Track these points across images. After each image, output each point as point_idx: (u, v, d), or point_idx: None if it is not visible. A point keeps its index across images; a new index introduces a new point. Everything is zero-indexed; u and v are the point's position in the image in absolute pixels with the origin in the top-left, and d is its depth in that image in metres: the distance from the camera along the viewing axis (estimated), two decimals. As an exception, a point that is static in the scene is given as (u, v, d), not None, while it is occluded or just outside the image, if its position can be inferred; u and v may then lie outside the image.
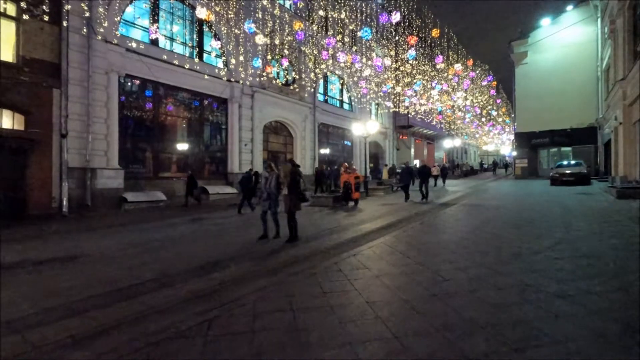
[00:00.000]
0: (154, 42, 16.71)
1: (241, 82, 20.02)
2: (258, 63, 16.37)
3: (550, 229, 7.15)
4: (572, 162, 21.76)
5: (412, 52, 19.32)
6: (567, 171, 19.35)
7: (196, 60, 18.50)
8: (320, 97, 28.70)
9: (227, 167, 20.32)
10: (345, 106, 32.10)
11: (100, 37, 14.02)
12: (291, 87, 24.27)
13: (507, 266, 4.69)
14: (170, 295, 4.14)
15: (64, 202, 12.87)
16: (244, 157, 20.90)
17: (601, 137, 24.46)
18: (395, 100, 31.44)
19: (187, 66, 17.13)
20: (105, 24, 14.10)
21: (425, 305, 3.45)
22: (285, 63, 19.38)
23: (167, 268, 5.40)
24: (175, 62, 16.82)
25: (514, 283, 3.98)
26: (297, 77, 24.59)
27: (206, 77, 18.07)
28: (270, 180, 7.25)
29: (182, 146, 18.23)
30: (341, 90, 31.49)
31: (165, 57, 16.64)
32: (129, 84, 16.00)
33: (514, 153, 41.13)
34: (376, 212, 11.19)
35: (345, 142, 32.76)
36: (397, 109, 32.57)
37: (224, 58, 20.01)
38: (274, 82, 22.57)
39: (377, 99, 31.46)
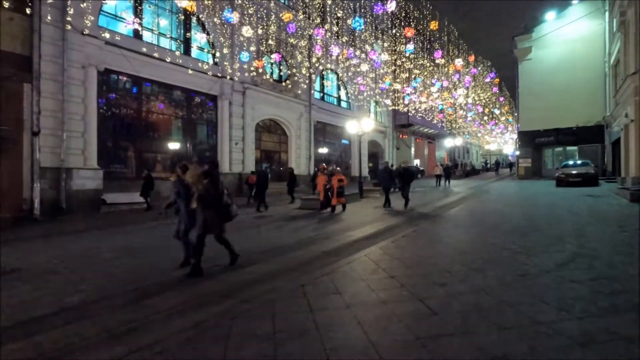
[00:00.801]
0: (137, 36, 15.86)
1: (229, 77, 19.15)
2: (246, 57, 15.41)
3: (561, 239, 6.22)
4: (579, 162, 20.77)
5: (410, 46, 18.39)
6: (574, 171, 18.37)
7: (183, 54, 17.60)
8: (317, 95, 27.79)
9: (217, 167, 19.39)
10: (343, 104, 31.17)
11: (76, 29, 13.16)
12: (284, 84, 23.36)
13: (512, 291, 3.78)
14: (78, 333, 3.25)
15: (36, 205, 12.04)
16: (235, 156, 20.04)
17: (609, 135, 23.43)
18: (394, 98, 30.52)
19: (172, 60, 16.25)
20: (84, 16, 13.27)
21: (402, 356, 2.56)
22: (277, 58, 18.35)
23: (100, 289, 4.53)
24: (160, 56, 15.95)
25: (521, 320, 3.07)
26: (291, 73, 23.69)
27: (193, 72, 17.24)
28: (177, 188, 5.44)
29: (168, 145, 17.38)
30: (338, 88, 30.56)
31: (149, 51, 15.77)
32: (110, 79, 15.15)
33: (517, 152, 40.16)
34: (367, 217, 10.28)
35: (343, 141, 31.82)
36: (396, 107, 31.64)
37: (213, 52, 19.14)
38: (266, 78, 21.67)
39: (375, 96, 30.47)
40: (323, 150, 28.87)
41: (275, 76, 23.33)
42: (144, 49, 15.69)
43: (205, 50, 19.07)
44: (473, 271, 4.54)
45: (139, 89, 16.13)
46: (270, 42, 19.45)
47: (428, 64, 24.82)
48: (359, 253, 5.69)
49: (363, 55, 22.13)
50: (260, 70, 19.70)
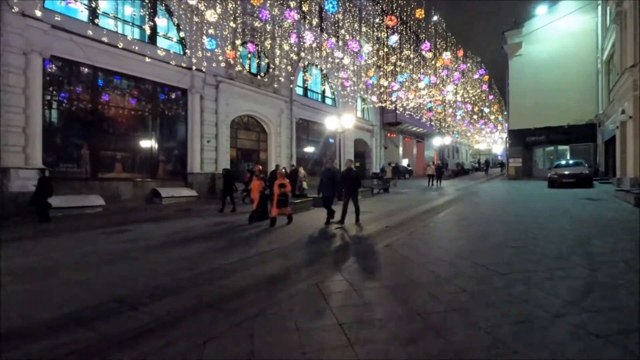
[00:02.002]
0: (94, 21, 14.30)
1: (201, 69, 17.64)
2: (212, 45, 13.95)
3: (567, 259, 4.98)
4: (572, 161, 19.78)
5: (394, 37, 17.13)
6: (567, 172, 17.34)
7: (147, 43, 16.06)
8: (299, 91, 26.41)
9: (187, 167, 17.95)
10: (328, 101, 29.84)
11: (14, 9, 11.58)
12: (260, 77, 21.85)
13: (511, 357, 2.48)
14: None
15: (-38, 210, 10.47)
16: (207, 155, 18.55)
17: (602, 134, 22.54)
18: (380, 94, 29.29)
19: (134, 49, 14.71)
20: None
21: None
22: (251, 48, 16.92)
23: None
24: (120, 44, 14.38)
25: None
26: (270, 66, 22.27)
27: (159, 62, 15.74)
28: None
29: (130, 142, 15.85)
30: (322, 84, 29.20)
31: (107, 38, 14.18)
32: (61, 68, 13.56)
33: (507, 152, 39.30)
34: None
35: (329, 140, 30.51)
36: (382, 104, 30.43)
37: (182, 41, 17.61)
38: (241, 70, 20.22)
39: (359, 92, 29.18)
40: (306, 149, 27.55)
41: (252, 70, 21.91)
42: (101, 36, 14.10)
43: (174, 39, 17.55)
44: (452, 316, 3.24)
45: (95, 80, 14.54)
46: (242, 29, 17.99)
47: (414, 57, 23.60)
48: (294, 288, 4.33)
49: (346, 47, 20.81)
50: (233, 62, 18.20)
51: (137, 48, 14.98)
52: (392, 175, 26.20)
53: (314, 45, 21.92)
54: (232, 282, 4.61)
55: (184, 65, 17.20)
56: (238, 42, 18.96)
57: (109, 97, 15.11)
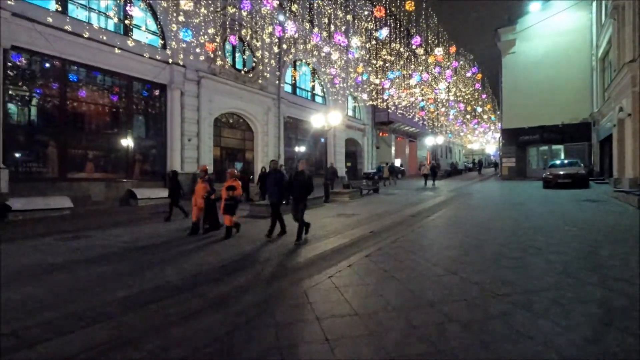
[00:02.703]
0: (62, 10, 13.33)
1: (179, 63, 16.71)
2: (189, 35, 13.06)
3: (576, 277, 4.23)
4: (567, 161, 19.19)
5: (384, 31, 16.38)
6: (563, 172, 16.72)
7: (122, 35, 15.13)
8: (288, 88, 25.57)
9: (166, 166, 17.01)
10: (318, 99, 29.01)
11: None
12: (245, 73, 20.93)
13: None
14: None
15: None
16: (188, 154, 17.64)
17: (596, 133, 22.03)
18: (371, 92, 28.59)
19: (107, 41, 13.76)
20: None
21: None
22: (233, 41, 16.03)
23: None
24: (91, 35, 13.40)
25: None
26: (256, 62, 21.41)
27: (135, 56, 14.84)
28: None
29: (103, 140, 14.89)
30: (312, 81, 28.39)
31: (76, 29, 13.20)
32: (24, 59, 12.57)
33: (500, 152, 38.80)
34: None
35: (322, 139, 29.68)
36: (374, 102, 29.73)
37: (160, 34, 16.69)
38: (226, 67, 19.35)
39: (349, 89, 28.40)
40: (295, 148, 26.72)
41: (238, 65, 21.03)
42: (70, 27, 13.12)
43: (152, 32, 16.60)
44: (439, 361, 2.45)
45: (64, 74, 13.55)
46: (222, 21, 17.09)
47: (405, 52, 22.89)
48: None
49: (333, 41, 20.02)
50: (214, 56, 17.29)
51: (110, 40, 14.03)
52: (389, 174, 25.84)
53: (299, 37, 21.15)
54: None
55: (162, 59, 16.29)
56: (218, 34, 18.00)
57: (79, 92, 14.13)
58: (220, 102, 19.39)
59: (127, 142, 15.62)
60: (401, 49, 21.53)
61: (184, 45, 15.91)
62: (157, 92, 16.85)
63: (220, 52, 18.54)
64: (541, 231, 6.86)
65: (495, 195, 15.15)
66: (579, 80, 23.54)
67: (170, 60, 16.71)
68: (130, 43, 14.23)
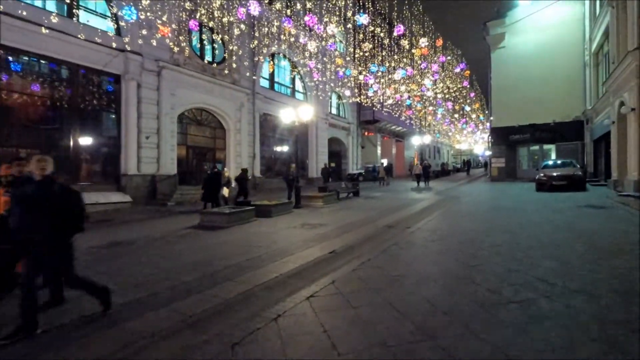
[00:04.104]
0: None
1: (135, 51, 14.83)
2: (134, 14, 11.25)
3: (599, 325, 2.66)
4: (560, 161, 17.87)
5: (363, 19, 14.81)
6: (557, 173, 15.39)
7: (66, 17, 13.23)
8: (265, 83, 23.85)
9: (120, 168, 15.13)
10: (299, 96, 27.32)
11: None
12: (216, 65, 19.12)
13: None
14: None
15: None
16: (146, 153, 15.79)
17: (590, 132, 20.86)
18: (353, 87, 27.05)
19: (48, 25, 11.83)
20: None
21: None
22: (193, 26, 14.24)
23: None
24: (28, 17, 11.52)
25: None
26: (228, 52, 19.64)
27: (82, 41, 12.97)
28: None
29: (41, 137, 12.94)
30: (292, 77, 26.69)
31: (9, 8, 11.31)
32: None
33: (487, 152, 37.64)
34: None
35: (302, 138, 27.98)
36: (356, 98, 28.18)
37: (111, 13, 14.82)
38: (190, 57, 17.55)
39: (329, 83, 26.76)
40: (274, 147, 25.00)
41: (207, 56, 19.23)
42: (2, 6, 11.21)
43: (101, 14, 14.71)
44: None
45: (-12, 59, 11.63)
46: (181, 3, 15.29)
47: (388, 44, 21.37)
48: None
49: (306, 28, 18.43)
50: (170, 41, 15.42)
51: (50, 22, 12.12)
52: (384, 174, 25.24)
53: (270, 23, 19.45)
54: None
55: (115, 46, 14.40)
56: (176, 16, 16.16)
57: (13, 82, 12.21)
58: (185, 96, 17.57)
59: (72, 139, 13.71)
60: (384, 40, 19.98)
61: (144, 33, 14.08)
62: (109, 84, 14.97)
63: (183, 40, 16.71)
64: (547, 252, 5.32)
65: (485, 199, 13.69)
66: (571, 76, 22.39)
67: (129, 48, 14.88)
68: (76, 26, 12.33)
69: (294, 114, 13.24)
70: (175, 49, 15.79)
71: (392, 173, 35.16)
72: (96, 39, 13.72)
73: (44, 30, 11.32)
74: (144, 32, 14.47)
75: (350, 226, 8.37)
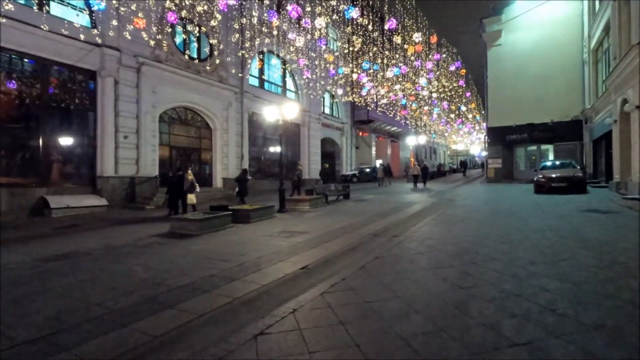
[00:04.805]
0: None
1: (112, 46, 13.98)
2: (101, 6, 10.42)
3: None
4: (558, 162, 17.16)
5: (353, 12, 14.07)
6: (557, 174, 14.68)
7: (36, 9, 12.41)
8: (254, 82, 23.03)
9: (96, 169, 14.30)
10: (290, 95, 26.50)
11: None
12: (198, 61, 18.23)
13: None
14: None
15: None
16: (124, 154, 14.96)
17: (589, 132, 20.20)
18: (345, 83, 26.28)
19: (15, 16, 11.00)
20: None
21: None
22: (172, 19, 13.41)
23: None
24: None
25: None
26: (213, 48, 18.83)
27: (52, 35, 12.15)
28: None
29: (6, 137, 12.08)
30: (284, 75, 25.88)
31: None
32: None
33: (484, 153, 36.97)
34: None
35: (294, 139, 27.16)
36: (350, 98, 27.45)
37: (86, 5, 13.97)
38: (173, 53, 16.72)
39: (320, 81, 25.96)
40: (263, 148, 24.17)
41: (193, 53, 18.41)
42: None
43: (72, 6, 13.87)
44: None
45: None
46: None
47: (380, 38, 20.63)
48: None
49: (293, 22, 17.66)
50: (147, 39, 14.54)
51: (21, 16, 11.30)
52: (383, 175, 24.86)
53: (248, 13, 18.65)
54: None
55: (90, 40, 13.57)
56: (154, 9, 15.34)
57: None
58: (167, 94, 16.74)
59: (41, 139, 12.86)
60: (376, 36, 19.24)
61: (121, 26, 13.26)
62: (83, 80, 14.13)
63: (161, 33, 15.87)
64: (553, 268, 4.56)
65: (481, 202, 12.96)
66: (570, 75, 21.72)
67: (105, 42, 14.07)
68: (47, 19, 11.53)
69: (278, 112, 12.42)
70: (151, 42, 14.88)
71: (392, 174, 34.51)
72: (70, 32, 12.88)
73: (2, 20, 10.41)
74: (121, 25, 13.67)
75: (333, 234, 7.58)
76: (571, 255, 5.14)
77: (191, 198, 10.49)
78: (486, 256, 5.20)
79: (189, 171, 10.98)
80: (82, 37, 13.12)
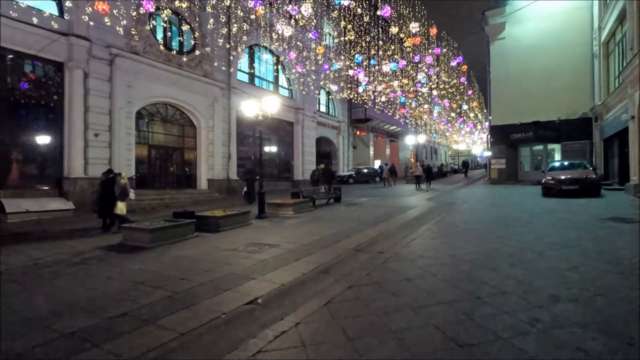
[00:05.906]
0: None
1: (81, 35, 12.75)
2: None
3: None
4: (567, 162, 15.86)
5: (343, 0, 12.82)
6: (568, 176, 13.38)
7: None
8: (244, 77, 21.82)
9: (63, 170, 13.09)
10: (283, 91, 25.25)
11: None
12: (180, 54, 16.97)
13: None
14: None
15: None
16: (95, 153, 13.77)
17: (600, 130, 18.88)
18: (341, 81, 25.06)
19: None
20: None
21: None
22: (148, 6, 12.19)
23: None
24: None
25: None
26: (196, 40, 17.61)
27: (12, 22, 10.96)
28: None
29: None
30: (275, 71, 24.62)
31: None
32: None
33: (486, 153, 35.62)
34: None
35: (286, 138, 25.93)
36: (346, 95, 26.19)
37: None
38: (151, 44, 15.51)
39: (312, 75, 24.72)
40: (252, 148, 22.91)
41: (174, 45, 17.20)
42: None
43: None
44: None
45: None
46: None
47: (376, 30, 19.38)
48: None
49: (280, 11, 16.42)
50: (119, 29, 13.27)
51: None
52: (388, 175, 24.26)
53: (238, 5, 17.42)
54: None
55: (55, 28, 12.37)
56: None
57: None
58: (145, 88, 15.53)
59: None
60: (373, 28, 17.99)
61: (91, 12, 12.01)
62: (48, 72, 12.92)
63: (138, 23, 14.66)
64: (585, 309, 3.33)
65: (484, 207, 11.70)
66: (578, 69, 20.41)
67: (72, 31, 12.87)
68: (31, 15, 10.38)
69: (257, 106, 11.18)
70: (120, 30, 13.55)
71: (396, 174, 33.30)
72: (31, 19, 11.68)
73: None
74: (90, 11, 12.42)
75: (307, 248, 6.33)
76: (605, 284, 3.89)
77: (121, 207, 8.71)
78: (493, 287, 3.93)
79: (122, 174, 8.97)
80: (46, 25, 11.88)
